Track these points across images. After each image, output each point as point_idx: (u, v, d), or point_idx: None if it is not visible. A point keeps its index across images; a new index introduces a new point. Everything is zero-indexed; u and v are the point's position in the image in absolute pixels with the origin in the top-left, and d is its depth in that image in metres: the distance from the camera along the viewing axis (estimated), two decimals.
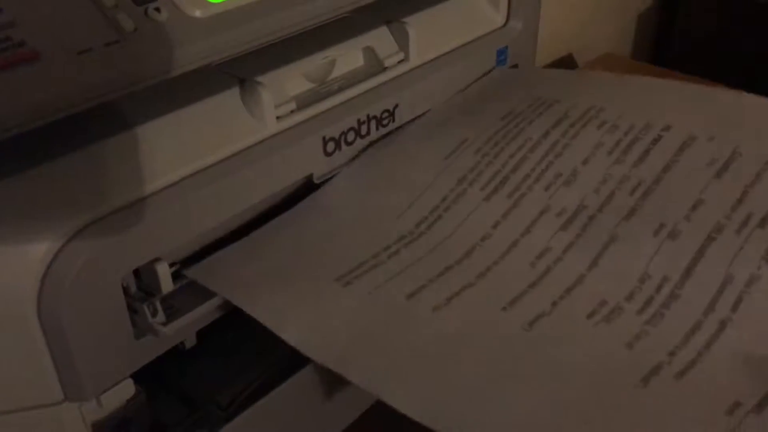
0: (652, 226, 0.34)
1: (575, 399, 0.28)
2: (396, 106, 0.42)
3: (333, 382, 0.39)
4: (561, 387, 0.28)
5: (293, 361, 0.37)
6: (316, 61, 0.39)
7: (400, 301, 0.33)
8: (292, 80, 0.39)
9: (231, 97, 0.37)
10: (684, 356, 0.29)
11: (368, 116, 0.41)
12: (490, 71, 0.47)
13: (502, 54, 0.48)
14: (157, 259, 0.34)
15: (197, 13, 0.31)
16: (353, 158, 0.41)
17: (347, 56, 0.41)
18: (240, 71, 0.37)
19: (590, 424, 0.27)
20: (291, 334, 0.32)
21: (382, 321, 0.32)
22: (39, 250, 0.30)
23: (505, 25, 0.48)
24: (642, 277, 0.33)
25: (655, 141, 0.38)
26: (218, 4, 0.32)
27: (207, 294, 0.35)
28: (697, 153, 0.37)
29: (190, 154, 0.34)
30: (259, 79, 0.37)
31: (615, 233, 0.34)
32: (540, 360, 0.30)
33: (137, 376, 0.34)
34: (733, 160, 0.36)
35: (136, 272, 0.34)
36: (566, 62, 1.13)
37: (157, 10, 0.30)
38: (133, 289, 0.34)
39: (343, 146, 0.40)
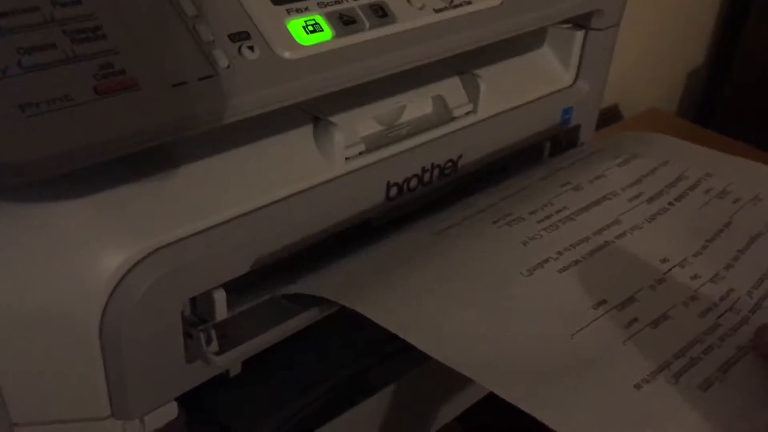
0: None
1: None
2: (460, 156, 0.42)
3: (379, 423, 0.39)
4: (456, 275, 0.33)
5: (337, 396, 0.38)
6: (388, 106, 0.40)
7: None
8: (363, 122, 0.39)
9: (304, 134, 0.37)
10: (569, 257, 0.34)
11: (432, 164, 0.41)
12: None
13: (567, 113, 0.48)
14: (215, 287, 0.34)
15: (287, 54, 0.32)
16: None
17: (417, 102, 0.42)
18: (314, 109, 0.37)
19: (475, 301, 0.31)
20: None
21: None
22: (109, 269, 0.30)
23: (572, 84, 0.49)
24: (546, 204, 0.37)
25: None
26: (307, 47, 0.33)
27: (259, 324, 0.35)
28: None
29: (260, 187, 0.35)
30: (333, 118, 0.37)
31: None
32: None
33: (178, 399, 0.35)
34: None
35: (192, 297, 0.34)
36: (612, 113, 1.14)
37: (251, 48, 0.31)
38: (187, 312, 0.35)
39: (405, 192, 0.40)
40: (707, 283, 0.34)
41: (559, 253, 0.34)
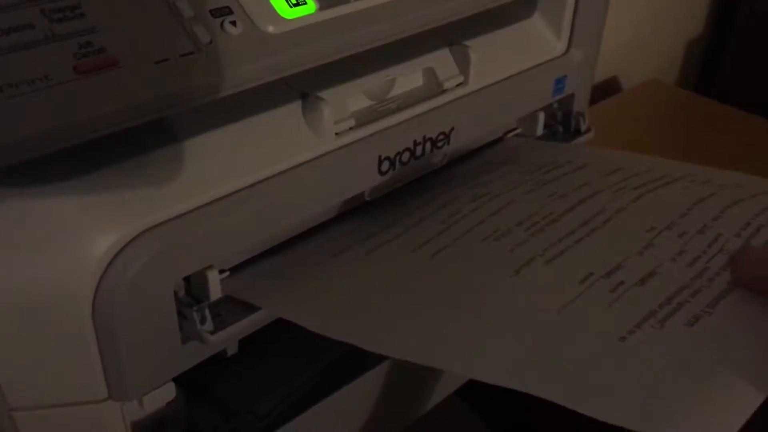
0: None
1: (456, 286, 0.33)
2: (452, 128, 0.42)
3: (376, 398, 0.39)
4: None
5: (334, 373, 0.38)
6: (377, 80, 0.40)
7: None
8: (352, 97, 0.39)
9: (292, 110, 0.37)
10: (555, 249, 0.34)
11: (424, 137, 0.41)
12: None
13: (560, 83, 0.47)
14: (208, 266, 0.34)
15: (270, 29, 0.32)
16: None
17: (407, 75, 0.41)
18: (302, 85, 0.37)
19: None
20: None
21: None
22: (100, 250, 0.30)
23: (565, 53, 0.48)
24: (531, 213, 0.38)
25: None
26: (291, 20, 0.32)
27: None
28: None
29: (249, 165, 0.35)
30: (321, 94, 0.37)
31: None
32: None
33: (176, 379, 0.35)
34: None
35: (186, 277, 0.34)
36: (611, 85, 1.13)
37: (233, 23, 0.31)
38: (182, 293, 0.35)
39: (398, 165, 0.40)
40: (695, 235, 0.34)
41: (545, 249, 0.34)
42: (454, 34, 0.43)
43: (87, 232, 0.30)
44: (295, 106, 0.37)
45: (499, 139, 0.49)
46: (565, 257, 0.34)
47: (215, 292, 0.35)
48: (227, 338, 0.34)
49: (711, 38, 1.32)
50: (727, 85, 1.25)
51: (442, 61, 0.42)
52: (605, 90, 1.08)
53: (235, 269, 0.37)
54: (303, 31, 0.32)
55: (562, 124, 0.51)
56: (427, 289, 0.34)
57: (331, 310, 0.33)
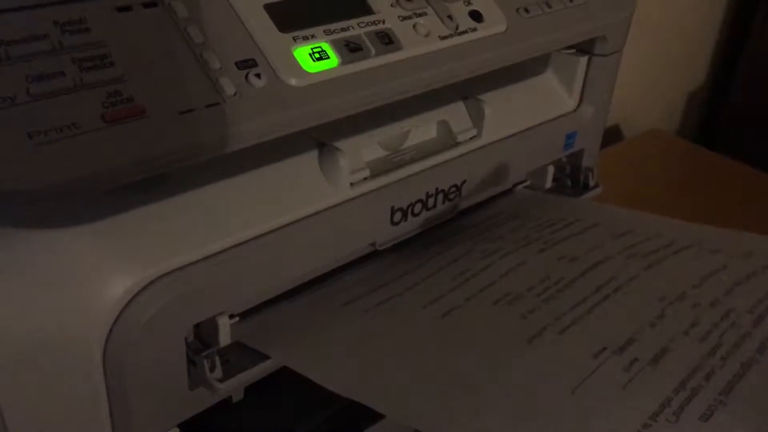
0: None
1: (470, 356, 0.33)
2: (464, 181, 0.42)
3: None
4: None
5: (339, 421, 0.37)
6: (392, 131, 0.40)
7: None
8: (367, 147, 0.39)
9: (308, 159, 0.37)
10: (567, 318, 0.34)
11: (437, 189, 0.41)
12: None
13: (570, 138, 0.48)
14: (219, 312, 0.34)
15: (293, 82, 0.32)
16: None
17: (422, 127, 0.42)
18: (319, 134, 0.38)
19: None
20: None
21: None
22: (115, 294, 0.30)
23: (576, 109, 0.49)
24: (543, 277, 0.38)
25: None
26: (314, 74, 0.33)
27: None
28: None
29: (265, 213, 0.35)
30: (338, 144, 0.37)
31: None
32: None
33: (181, 425, 0.35)
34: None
35: (196, 323, 0.34)
36: (612, 133, 1.14)
37: (257, 76, 0.31)
38: (191, 338, 0.35)
39: (410, 217, 0.40)
40: (707, 308, 0.34)
41: (557, 318, 0.35)
42: (468, 88, 0.43)
43: (102, 276, 0.30)
44: (312, 155, 0.37)
45: (509, 191, 0.49)
46: (578, 328, 0.34)
47: (225, 338, 0.35)
48: (236, 386, 0.34)
49: (712, 90, 1.34)
50: (727, 137, 1.27)
51: (456, 114, 0.43)
52: (607, 138, 1.09)
53: (245, 314, 0.37)
54: (325, 84, 0.33)
55: (571, 178, 0.51)
56: (437, 353, 0.33)
57: (338, 365, 0.33)
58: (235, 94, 0.30)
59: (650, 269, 0.37)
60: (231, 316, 0.35)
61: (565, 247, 0.40)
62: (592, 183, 0.50)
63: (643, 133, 1.10)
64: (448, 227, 0.44)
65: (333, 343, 0.35)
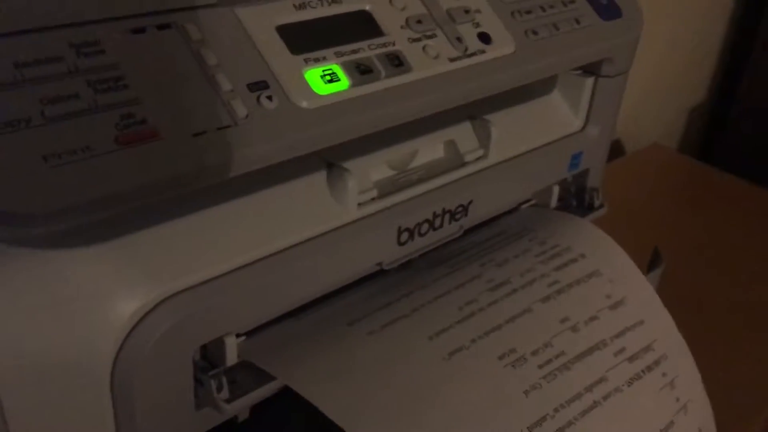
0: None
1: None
2: (471, 201, 0.42)
3: None
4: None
5: None
6: (400, 151, 0.40)
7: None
8: (375, 167, 0.39)
9: (317, 179, 0.37)
10: (564, 415, 0.36)
11: (443, 209, 0.41)
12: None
13: (576, 158, 0.48)
14: (226, 332, 0.34)
15: (304, 104, 0.32)
16: None
17: (429, 147, 0.42)
18: (327, 154, 0.38)
19: None
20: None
21: None
22: (124, 315, 0.30)
23: (582, 129, 0.49)
24: (547, 343, 0.39)
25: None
26: (325, 96, 0.33)
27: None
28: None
29: (273, 233, 0.35)
30: (346, 164, 0.37)
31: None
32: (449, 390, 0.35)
33: None
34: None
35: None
36: (615, 148, 1.14)
37: (269, 98, 0.31)
38: (197, 357, 0.35)
39: (416, 237, 0.40)
40: None
41: (556, 410, 0.36)
42: (475, 108, 0.43)
43: (111, 297, 0.30)
44: (320, 176, 0.37)
45: (514, 209, 0.49)
46: (583, 426, 0.35)
47: (232, 357, 0.35)
48: (243, 406, 0.34)
49: (713, 106, 1.35)
50: (727, 153, 1.27)
51: (463, 134, 0.43)
52: (609, 153, 1.09)
53: (251, 332, 0.37)
54: (336, 107, 0.33)
55: (576, 197, 0.51)
56: (437, 400, 0.34)
57: (338, 392, 0.34)
58: (246, 116, 0.30)
59: (632, 386, 0.39)
60: (238, 335, 0.35)
61: (568, 305, 0.41)
62: (597, 203, 0.51)
63: (645, 148, 1.10)
64: (454, 245, 0.44)
65: (337, 370, 0.35)
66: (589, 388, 0.38)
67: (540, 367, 0.37)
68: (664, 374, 0.41)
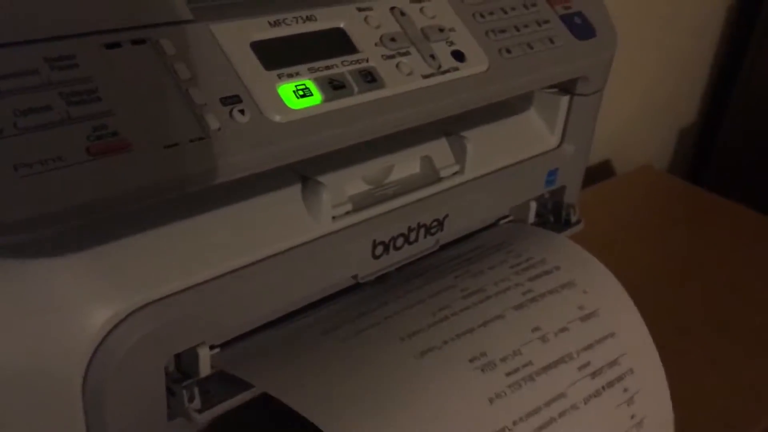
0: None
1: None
2: (446, 216, 0.43)
3: None
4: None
5: None
6: (376, 166, 0.41)
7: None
8: (350, 181, 0.40)
9: (291, 192, 0.38)
10: (521, 429, 0.37)
11: (419, 224, 0.42)
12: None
13: (552, 175, 0.49)
14: (200, 343, 0.35)
15: (277, 118, 0.33)
16: None
17: (405, 162, 0.43)
18: (302, 168, 0.38)
19: None
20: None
21: None
22: (94, 326, 0.31)
23: (558, 146, 0.50)
24: (516, 351, 0.39)
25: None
26: (297, 110, 0.34)
27: (241, 381, 0.36)
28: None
29: (247, 245, 0.36)
30: (321, 178, 0.38)
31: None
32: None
33: None
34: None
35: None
36: (604, 169, 1.15)
37: (241, 112, 0.32)
38: (171, 368, 0.35)
39: (391, 250, 0.41)
40: None
41: (515, 423, 0.37)
42: (451, 124, 0.44)
43: (83, 306, 0.31)
44: (295, 189, 0.38)
45: (492, 225, 0.50)
46: None
47: (205, 368, 0.35)
48: (214, 416, 0.34)
49: (703, 126, 1.36)
50: (717, 174, 1.28)
51: (439, 149, 0.44)
52: (599, 174, 1.10)
53: (225, 344, 0.37)
54: (308, 121, 0.34)
55: (553, 213, 0.52)
56: (407, 398, 0.35)
57: (315, 394, 0.34)
58: (219, 129, 0.31)
59: (588, 404, 0.40)
60: (212, 347, 0.36)
61: (540, 314, 0.42)
62: (573, 219, 0.51)
63: (635, 169, 1.11)
64: (430, 259, 0.45)
65: (312, 373, 0.35)
66: (548, 403, 0.38)
67: (507, 375, 0.37)
68: (625, 389, 0.42)
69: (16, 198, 0.26)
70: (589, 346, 0.41)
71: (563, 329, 0.41)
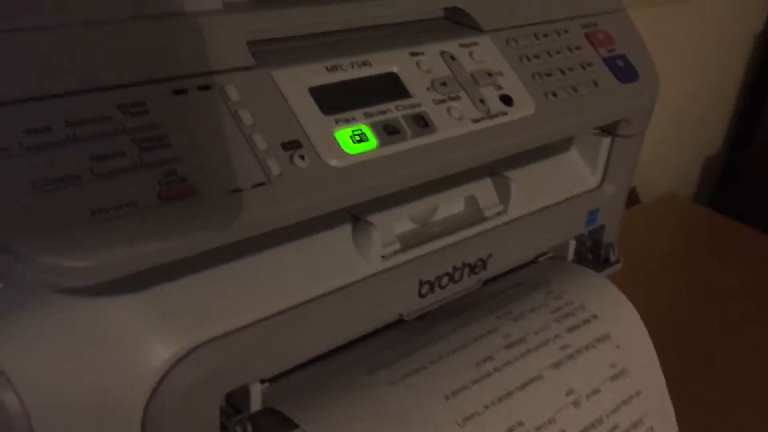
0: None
1: None
2: (490, 255, 0.44)
3: None
4: None
5: None
6: (422, 205, 0.42)
7: None
8: (398, 221, 0.41)
9: (342, 232, 0.39)
10: None
11: (463, 263, 0.42)
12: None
13: (593, 215, 0.50)
14: (252, 380, 0.35)
15: (334, 163, 0.34)
16: None
17: (450, 202, 0.44)
18: (352, 207, 0.39)
19: None
20: None
21: None
22: (156, 362, 0.31)
23: (599, 186, 0.50)
24: (550, 419, 0.40)
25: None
26: (354, 155, 0.34)
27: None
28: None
29: (300, 284, 0.36)
30: (370, 218, 0.39)
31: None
32: None
33: None
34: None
35: None
36: (628, 196, 1.15)
37: (302, 157, 0.33)
38: (222, 402, 0.36)
39: (437, 289, 0.42)
40: None
41: None
42: (495, 165, 0.45)
43: (144, 344, 0.31)
44: (345, 229, 0.39)
45: (531, 261, 0.51)
46: None
47: (257, 404, 0.36)
48: None
49: (728, 155, 1.36)
50: (742, 202, 1.28)
51: (483, 189, 0.44)
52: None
53: (274, 378, 0.38)
54: (364, 165, 0.34)
55: (592, 252, 0.52)
56: None
57: None
58: (280, 174, 0.32)
59: None
60: (262, 381, 0.37)
61: (575, 374, 0.42)
62: (612, 258, 0.52)
63: (660, 197, 1.11)
64: (471, 295, 0.45)
65: (359, 419, 0.36)
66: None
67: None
68: None
69: (93, 243, 0.27)
70: (617, 408, 0.42)
71: (595, 391, 0.42)
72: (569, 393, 0.41)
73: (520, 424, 0.38)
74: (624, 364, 0.44)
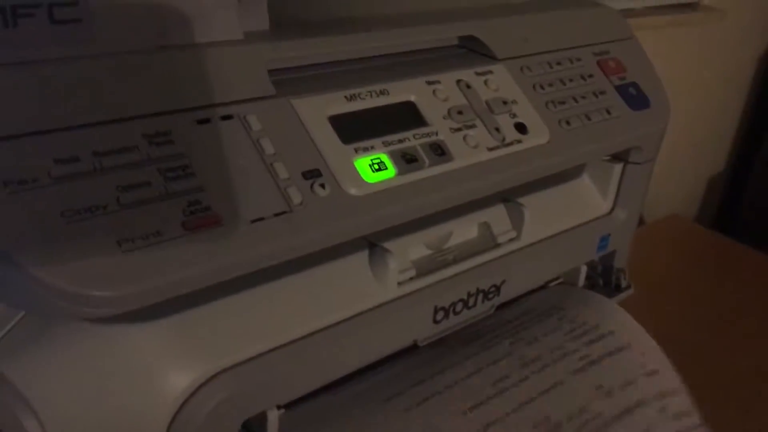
0: None
1: None
2: (503, 281, 0.44)
3: None
4: None
5: None
6: (437, 232, 0.42)
7: None
8: (414, 247, 0.41)
9: (359, 259, 0.39)
10: None
11: (477, 289, 0.43)
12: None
13: (604, 240, 0.50)
14: (270, 406, 0.35)
15: (354, 191, 0.34)
16: None
17: (464, 228, 0.44)
18: (369, 234, 0.39)
19: None
20: None
21: None
22: (177, 389, 0.32)
23: (610, 212, 0.51)
24: (582, 408, 0.39)
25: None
26: (373, 183, 0.35)
27: None
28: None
29: (318, 311, 0.37)
30: (387, 244, 0.39)
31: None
32: None
33: None
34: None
35: None
36: None
37: (322, 186, 0.33)
38: (239, 427, 0.36)
39: (451, 315, 0.42)
40: None
41: None
42: (508, 191, 0.45)
43: (165, 370, 0.32)
44: (362, 255, 0.39)
45: (542, 287, 0.51)
46: None
47: (273, 430, 0.36)
48: None
49: (732, 176, 1.36)
50: (745, 223, 1.28)
51: (496, 216, 0.45)
52: None
53: (290, 404, 0.38)
54: (383, 194, 0.35)
55: (602, 277, 0.53)
56: None
57: None
58: (301, 203, 0.32)
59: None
60: (278, 407, 0.37)
61: (602, 373, 0.42)
62: (623, 284, 0.52)
63: (663, 218, 1.11)
64: (484, 321, 0.46)
65: None
66: None
67: (577, 430, 0.38)
68: None
69: (119, 273, 0.27)
70: (662, 395, 0.41)
71: (628, 383, 0.41)
72: (599, 387, 0.41)
73: (547, 419, 0.38)
74: (655, 366, 0.43)
